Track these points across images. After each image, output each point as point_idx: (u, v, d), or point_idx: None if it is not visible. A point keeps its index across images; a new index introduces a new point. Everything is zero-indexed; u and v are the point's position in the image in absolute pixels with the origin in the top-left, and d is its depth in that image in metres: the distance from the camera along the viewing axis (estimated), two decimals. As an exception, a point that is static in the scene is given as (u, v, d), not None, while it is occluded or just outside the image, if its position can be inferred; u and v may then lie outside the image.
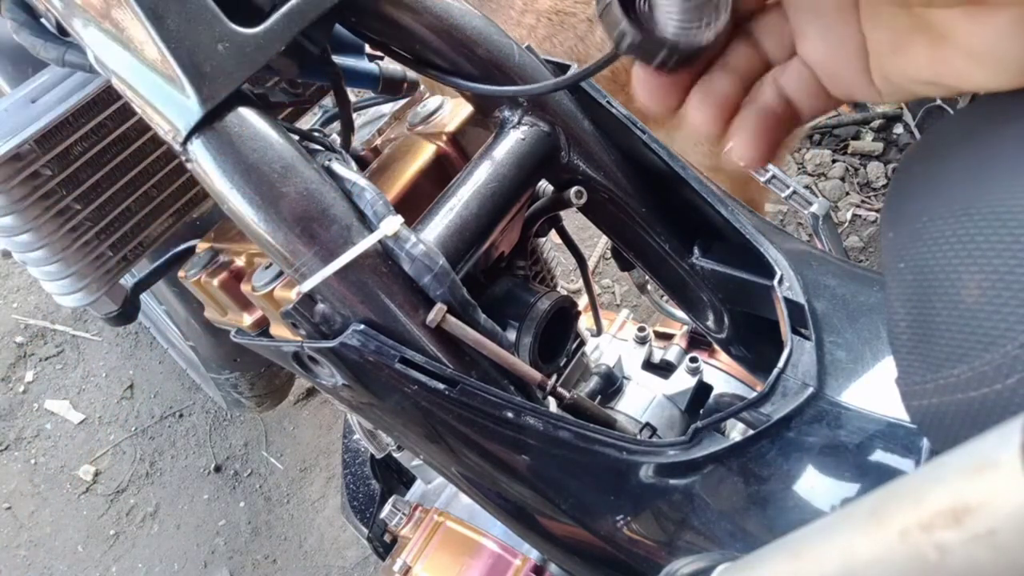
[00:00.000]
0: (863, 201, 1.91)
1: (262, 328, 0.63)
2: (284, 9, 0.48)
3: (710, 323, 0.68)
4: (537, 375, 0.53)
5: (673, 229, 0.63)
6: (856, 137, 2.02)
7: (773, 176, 1.03)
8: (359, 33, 0.57)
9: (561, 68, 0.60)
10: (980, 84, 0.28)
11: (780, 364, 0.49)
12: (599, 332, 0.89)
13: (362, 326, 0.48)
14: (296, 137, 0.51)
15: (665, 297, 0.77)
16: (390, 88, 0.71)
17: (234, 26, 0.46)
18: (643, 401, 0.82)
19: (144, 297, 1.36)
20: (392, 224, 0.48)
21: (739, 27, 0.34)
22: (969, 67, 0.28)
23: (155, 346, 1.94)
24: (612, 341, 0.92)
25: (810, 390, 0.47)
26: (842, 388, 0.48)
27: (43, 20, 0.62)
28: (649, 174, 0.62)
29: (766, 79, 0.34)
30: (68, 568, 1.67)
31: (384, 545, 0.93)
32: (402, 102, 0.77)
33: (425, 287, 0.49)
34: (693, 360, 0.85)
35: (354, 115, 0.68)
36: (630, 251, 0.66)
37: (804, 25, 0.32)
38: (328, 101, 0.79)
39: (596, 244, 1.92)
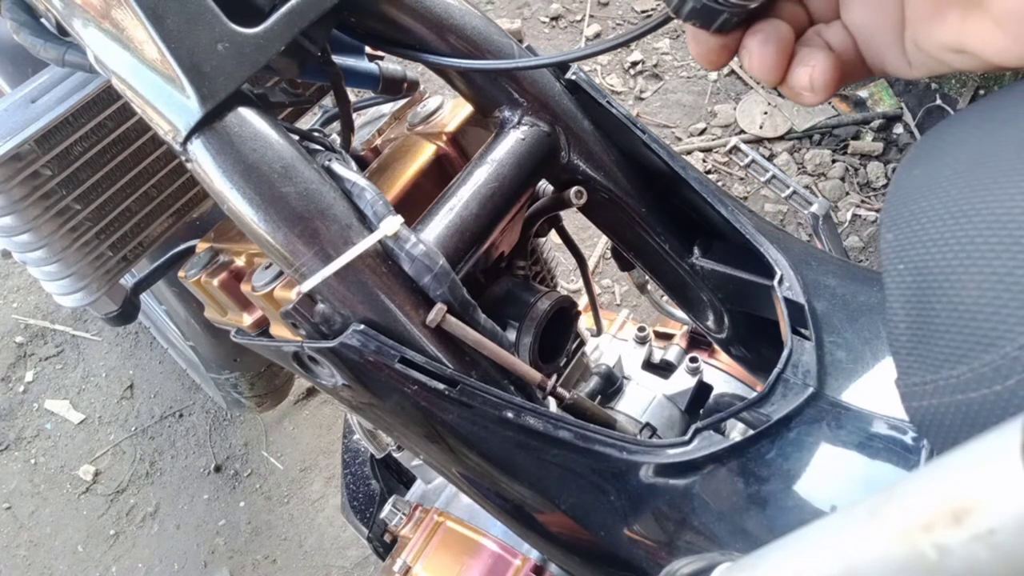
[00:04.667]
0: (863, 201, 1.91)
1: (262, 328, 0.63)
2: (284, 9, 0.48)
3: (710, 323, 0.68)
4: (537, 375, 0.53)
5: (673, 229, 0.63)
6: (856, 137, 2.02)
7: (773, 176, 1.02)
8: (359, 33, 0.57)
9: (562, 68, 0.60)
10: (1000, 50, 0.29)
11: (780, 364, 0.49)
12: (599, 332, 0.89)
13: (362, 326, 0.48)
14: (296, 137, 0.51)
15: (665, 297, 0.78)
16: (390, 88, 0.71)
17: (234, 26, 0.46)
18: (643, 401, 0.82)
19: (144, 297, 1.36)
20: (392, 224, 0.48)
21: None
22: (994, 34, 0.29)
23: (155, 346, 1.94)
24: (612, 341, 0.92)
25: (810, 390, 0.47)
26: (842, 388, 0.48)
27: (43, 20, 0.62)
28: (649, 174, 0.62)
29: (811, 34, 0.36)
30: (68, 568, 1.67)
31: (384, 545, 0.93)
32: (402, 102, 0.77)
33: (425, 287, 0.49)
34: (693, 360, 0.85)
35: (354, 115, 0.68)
36: (630, 251, 0.66)
37: None
38: (328, 101, 0.79)
39: (596, 244, 1.92)
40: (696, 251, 0.63)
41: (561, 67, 0.60)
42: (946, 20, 0.30)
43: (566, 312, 0.65)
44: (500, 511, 0.60)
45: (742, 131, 2.09)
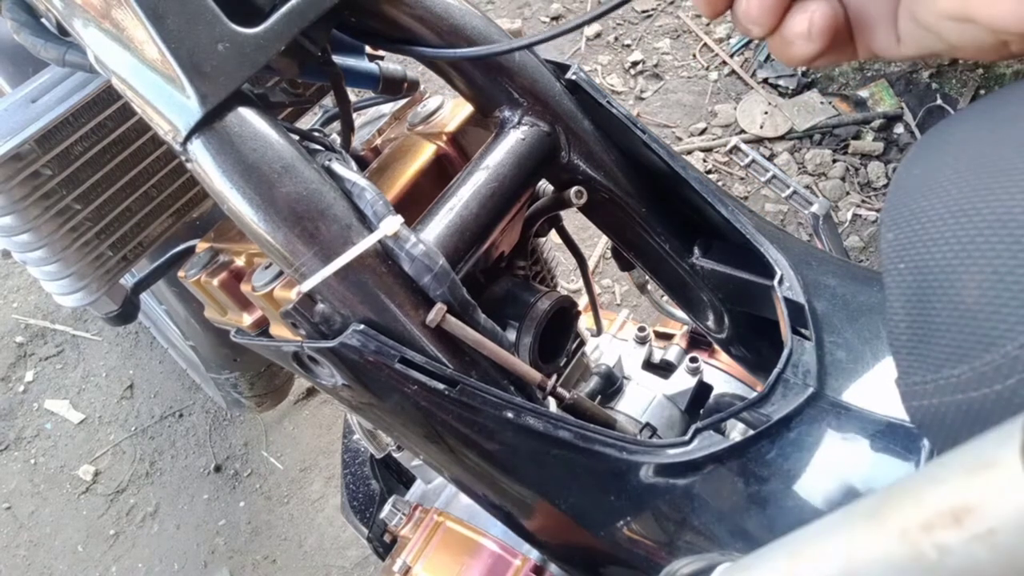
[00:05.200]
0: (863, 201, 1.91)
1: (262, 328, 0.63)
2: (284, 9, 0.48)
3: (710, 323, 0.68)
4: (537, 375, 0.53)
5: (673, 229, 0.63)
6: (857, 137, 2.02)
7: (773, 176, 1.02)
8: (359, 33, 0.57)
9: (562, 68, 0.60)
10: (1007, 13, 0.28)
11: (780, 364, 0.49)
12: (599, 332, 0.89)
13: (362, 326, 0.48)
14: (296, 137, 0.51)
15: (665, 297, 0.77)
16: (390, 88, 0.71)
17: (234, 26, 0.46)
18: (643, 401, 0.82)
19: (144, 297, 1.36)
20: (392, 224, 0.48)
21: None
22: None
23: (155, 346, 1.94)
24: (612, 341, 0.92)
25: (810, 390, 0.47)
26: (842, 388, 0.48)
27: (43, 20, 0.62)
28: (649, 174, 0.62)
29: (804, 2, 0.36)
30: (68, 568, 1.67)
31: (384, 545, 0.93)
32: (402, 102, 0.77)
33: (425, 287, 0.49)
34: (693, 360, 0.85)
35: (354, 115, 0.68)
36: (630, 251, 0.66)
37: None
38: (328, 101, 0.79)
39: (596, 244, 1.92)
40: (696, 251, 0.63)
41: (561, 67, 0.60)
42: None
43: (566, 312, 0.65)
44: (500, 511, 0.60)
45: (742, 131, 2.09)
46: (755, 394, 0.49)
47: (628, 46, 2.34)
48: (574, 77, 0.59)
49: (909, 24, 0.32)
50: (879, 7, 0.34)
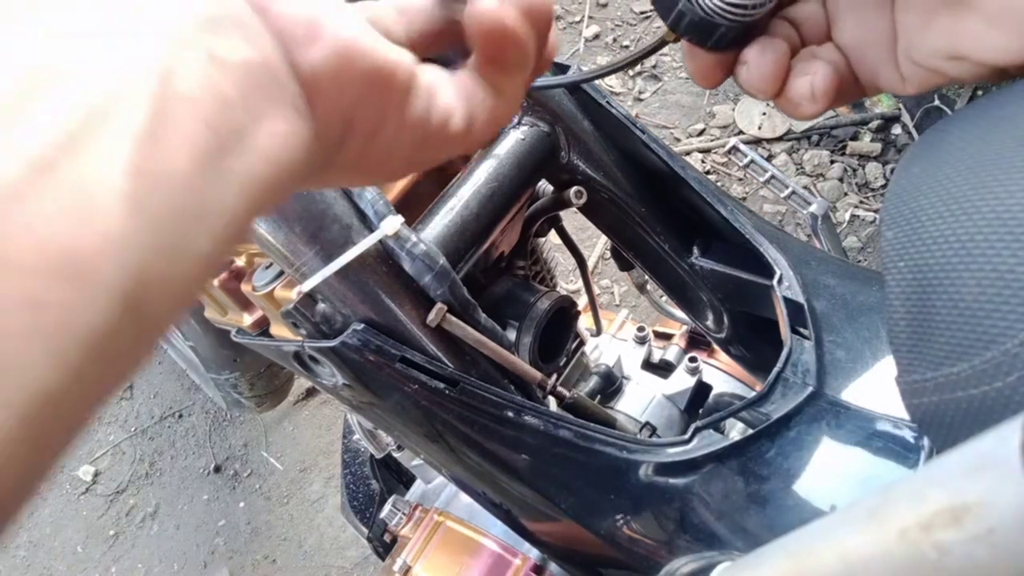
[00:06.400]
0: (861, 202, 1.91)
1: (262, 328, 0.63)
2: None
3: (710, 323, 0.68)
4: (537, 374, 0.53)
5: (673, 229, 0.63)
6: (854, 138, 2.02)
7: (772, 176, 1.03)
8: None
9: (561, 68, 0.60)
10: (996, 49, 0.29)
11: (779, 363, 0.49)
12: (599, 332, 0.89)
13: (363, 325, 0.48)
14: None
15: (664, 297, 0.78)
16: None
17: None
18: (643, 401, 0.82)
19: (143, 297, 1.35)
20: (393, 224, 0.48)
21: (781, 8, 0.36)
22: (988, 33, 0.29)
23: (154, 347, 1.94)
24: (612, 341, 0.92)
25: (809, 389, 0.47)
26: (842, 387, 0.48)
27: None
28: (649, 174, 0.62)
29: (804, 55, 0.36)
30: (67, 568, 1.67)
31: (384, 545, 0.93)
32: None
33: (425, 287, 0.49)
34: (692, 360, 0.85)
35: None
36: (630, 251, 0.66)
37: (842, 11, 0.35)
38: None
39: (596, 244, 1.92)
40: (695, 251, 0.63)
41: (560, 68, 0.60)
42: (937, 27, 0.30)
43: (566, 312, 0.65)
44: (500, 510, 0.60)
45: (740, 132, 2.09)
46: (754, 393, 0.49)
47: (626, 47, 2.34)
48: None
49: (909, 64, 0.33)
50: (878, 52, 0.34)
